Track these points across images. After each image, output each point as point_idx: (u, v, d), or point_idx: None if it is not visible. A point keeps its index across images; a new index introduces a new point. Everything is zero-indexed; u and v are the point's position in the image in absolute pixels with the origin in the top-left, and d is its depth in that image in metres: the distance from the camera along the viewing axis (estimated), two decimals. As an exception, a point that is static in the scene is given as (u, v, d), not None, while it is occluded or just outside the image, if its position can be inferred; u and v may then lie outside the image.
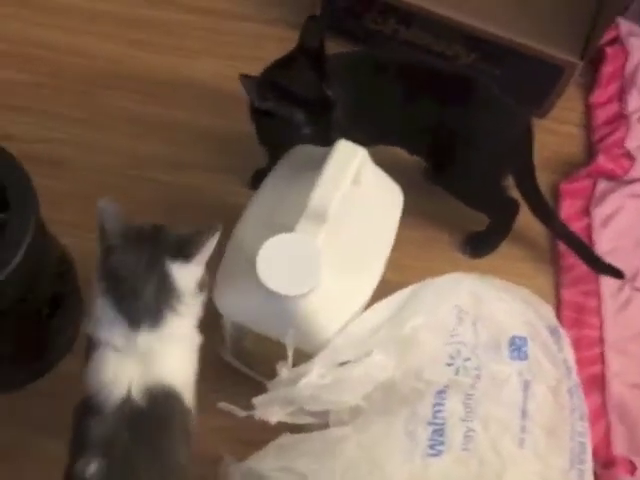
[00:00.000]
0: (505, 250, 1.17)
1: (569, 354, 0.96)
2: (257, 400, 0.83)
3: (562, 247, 1.17)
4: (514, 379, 0.91)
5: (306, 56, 0.94)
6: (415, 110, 1.03)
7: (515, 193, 1.13)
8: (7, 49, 1.27)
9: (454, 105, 1.04)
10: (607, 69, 1.34)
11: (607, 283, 1.16)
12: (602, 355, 1.11)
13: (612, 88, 1.33)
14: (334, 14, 1.28)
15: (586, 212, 1.22)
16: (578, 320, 1.14)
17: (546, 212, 1.14)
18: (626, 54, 1.35)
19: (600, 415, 1.06)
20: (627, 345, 1.13)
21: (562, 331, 0.97)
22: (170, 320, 0.77)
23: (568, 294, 1.16)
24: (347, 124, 0.96)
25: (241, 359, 1.01)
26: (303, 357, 0.85)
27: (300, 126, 0.94)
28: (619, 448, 1.04)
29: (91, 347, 0.79)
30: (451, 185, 1.12)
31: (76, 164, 1.18)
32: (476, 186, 1.11)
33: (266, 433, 0.85)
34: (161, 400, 0.77)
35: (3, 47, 1.27)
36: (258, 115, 0.99)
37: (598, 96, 1.33)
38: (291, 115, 0.94)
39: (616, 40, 1.36)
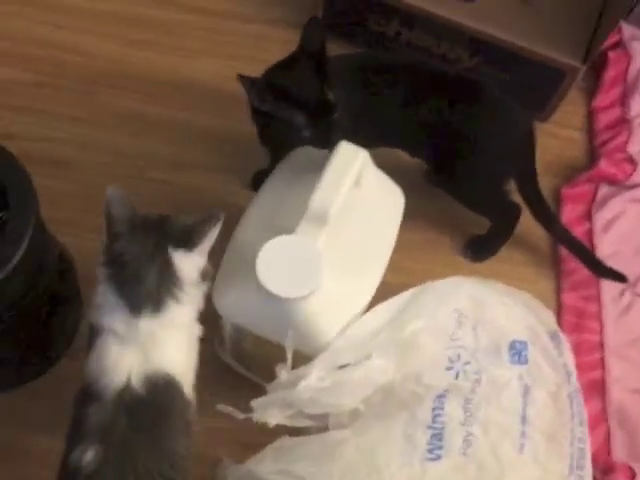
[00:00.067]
0: (506, 254, 1.17)
1: (569, 359, 0.96)
2: (256, 402, 0.83)
3: (563, 252, 1.17)
4: (514, 383, 0.90)
5: (307, 58, 0.94)
6: (417, 112, 1.03)
7: (517, 197, 1.12)
8: (9, 48, 1.27)
9: (457, 107, 1.03)
10: (609, 73, 1.34)
11: (608, 288, 1.16)
12: (602, 360, 1.11)
13: (614, 92, 1.33)
14: (336, 15, 1.28)
15: (587, 217, 1.22)
16: (578, 325, 1.14)
17: (548, 216, 1.13)
18: (629, 58, 1.35)
19: (600, 420, 1.06)
20: (628, 350, 1.13)
21: (562, 336, 0.97)
22: (171, 307, 0.78)
23: (569, 299, 1.16)
24: (349, 126, 0.95)
25: (241, 361, 1.00)
26: (303, 359, 0.84)
27: (300, 128, 0.94)
28: (619, 454, 1.04)
29: (93, 334, 0.80)
30: (453, 188, 1.11)
31: (76, 164, 1.18)
32: (478, 189, 1.10)
33: (265, 436, 0.85)
34: (160, 389, 0.78)
35: (5, 46, 1.27)
36: (259, 116, 0.99)
37: (600, 100, 1.33)
38: (291, 117, 0.93)
39: (619, 44, 1.36)
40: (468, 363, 0.91)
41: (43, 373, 1.00)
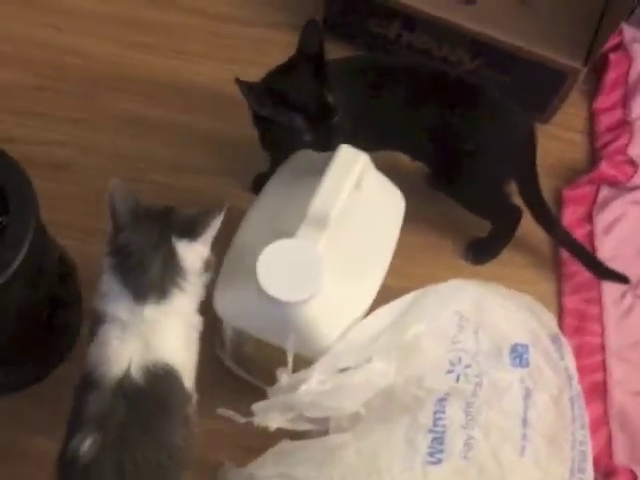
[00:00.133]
0: (507, 257, 1.17)
1: (570, 362, 0.96)
2: (257, 406, 0.83)
3: (564, 254, 1.17)
4: (515, 386, 0.90)
5: (306, 61, 0.94)
6: (418, 115, 1.03)
7: (517, 199, 1.12)
8: (10, 51, 1.27)
9: (457, 110, 1.03)
10: (611, 75, 1.34)
11: (609, 291, 1.16)
12: (604, 363, 1.11)
13: (616, 94, 1.33)
14: (337, 18, 1.28)
15: (588, 219, 1.22)
16: (580, 327, 1.13)
17: (549, 219, 1.13)
18: (630, 60, 1.35)
19: (601, 423, 1.06)
20: (629, 353, 1.12)
21: (564, 339, 0.97)
22: (175, 296, 0.80)
23: (570, 301, 1.16)
24: (349, 129, 0.95)
25: (241, 364, 1.00)
26: (304, 363, 0.84)
27: (300, 132, 0.94)
28: (620, 457, 1.03)
29: (96, 322, 0.81)
30: (453, 191, 1.11)
31: (77, 167, 1.18)
32: (479, 192, 1.10)
33: (266, 439, 0.85)
34: (160, 379, 0.78)
35: (6, 49, 1.27)
36: (259, 120, 0.99)
37: (601, 102, 1.32)
38: (290, 121, 0.93)
39: (620, 46, 1.36)
40: (469, 366, 0.90)
41: (44, 377, 1.00)
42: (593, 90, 1.34)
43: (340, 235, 0.86)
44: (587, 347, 1.12)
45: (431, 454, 0.83)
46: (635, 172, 1.25)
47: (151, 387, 0.77)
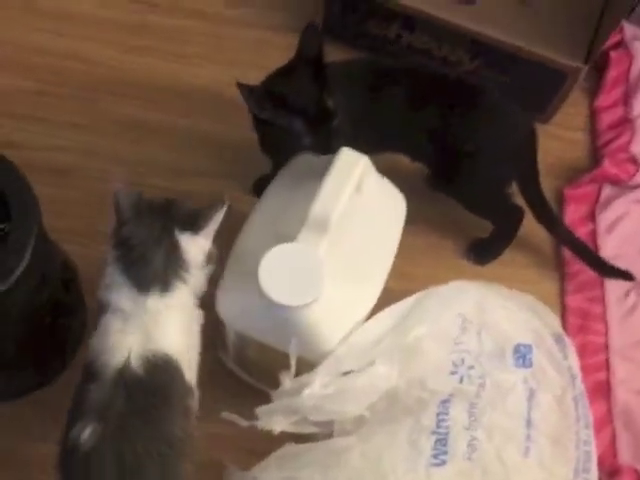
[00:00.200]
0: (509, 257, 1.16)
1: (574, 362, 0.96)
2: (260, 410, 0.83)
3: (567, 254, 1.17)
4: (519, 387, 0.90)
5: (305, 64, 0.94)
6: (418, 116, 1.03)
7: (519, 199, 1.12)
8: (10, 55, 1.27)
9: (457, 111, 1.03)
10: (611, 73, 1.33)
11: (612, 289, 1.15)
12: (607, 362, 1.10)
13: (617, 92, 1.33)
14: (337, 19, 1.28)
15: (591, 217, 1.22)
16: (583, 326, 1.13)
17: (550, 219, 1.13)
18: (630, 58, 1.34)
19: (605, 423, 1.05)
20: (632, 351, 1.12)
21: (567, 339, 0.97)
22: (178, 288, 0.81)
23: (573, 300, 1.15)
24: (349, 132, 0.95)
25: (244, 367, 1.00)
26: (306, 366, 0.84)
27: (300, 135, 0.94)
28: (624, 456, 1.03)
29: (99, 313, 0.82)
30: (455, 192, 1.11)
31: (78, 171, 1.18)
32: (480, 192, 1.10)
33: (270, 442, 0.85)
34: (160, 369, 0.79)
35: (6, 53, 1.27)
36: (259, 124, 0.99)
37: (603, 100, 1.32)
38: (290, 125, 0.93)
39: (620, 44, 1.36)
40: (472, 367, 0.91)
41: (47, 383, 1.00)
42: (594, 88, 1.33)
43: (341, 238, 0.86)
44: (591, 346, 1.11)
45: (435, 456, 0.83)
46: (637, 170, 1.24)
47: (151, 377, 0.78)
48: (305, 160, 0.98)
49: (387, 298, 0.91)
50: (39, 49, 1.28)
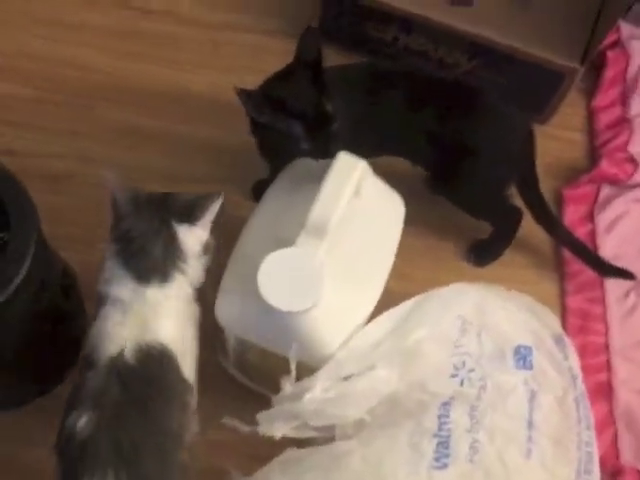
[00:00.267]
0: (508, 258, 1.16)
1: (574, 362, 0.95)
2: (261, 416, 0.83)
3: (566, 254, 1.17)
4: (520, 389, 0.90)
5: (304, 69, 0.94)
6: (416, 119, 1.03)
7: (518, 201, 1.12)
8: (7, 63, 1.27)
9: (455, 113, 1.03)
10: (609, 73, 1.33)
11: (612, 289, 1.15)
12: (608, 362, 1.10)
13: (614, 92, 1.33)
14: (334, 23, 1.28)
15: (590, 218, 1.22)
16: (584, 327, 1.13)
17: (549, 220, 1.13)
18: (627, 57, 1.35)
19: (607, 423, 1.05)
20: (633, 352, 1.12)
21: (567, 339, 0.97)
22: (177, 279, 0.83)
23: (573, 301, 1.15)
24: (348, 136, 0.95)
25: (245, 373, 1.00)
26: (307, 371, 0.84)
27: (299, 140, 0.94)
28: (627, 457, 1.03)
29: (98, 305, 0.84)
30: (453, 194, 1.11)
31: (76, 178, 1.18)
32: (478, 195, 1.10)
33: (272, 447, 0.84)
34: (155, 360, 0.80)
35: (3, 61, 1.27)
36: (257, 128, 0.99)
37: (600, 100, 1.32)
38: (289, 129, 0.93)
39: (617, 43, 1.36)
40: (473, 370, 0.90)
41: (48, 391, 1.00)
42: (591, 88, 1.33)
43: (340, 242, 0.86)
44: (591, 346, 1.11)
45: (437, 459, 0.83)
46: (636, 170, 1.24)
47: (145, 367, 0.79)
48: (303, 164, 0.98)
49: (387, 300, 0.91)
50: (35, 56, 1.28)
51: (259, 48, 1.30)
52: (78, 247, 1.06)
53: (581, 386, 0.93)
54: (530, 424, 0.87)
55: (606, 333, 1.13)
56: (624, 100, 1.32)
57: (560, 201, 1.23)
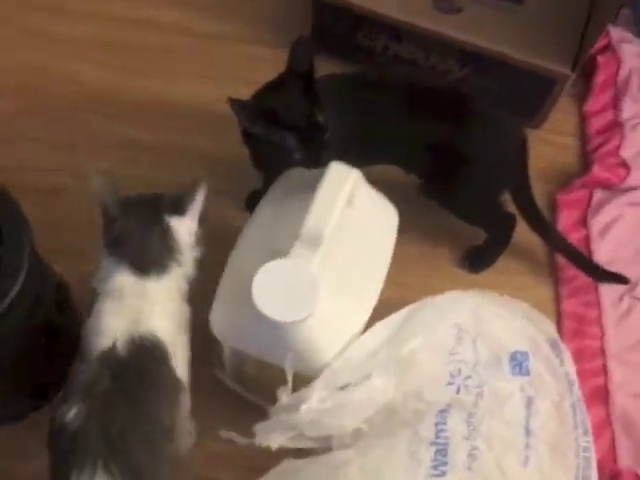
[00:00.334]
0: (503, 264, 1.16)
1: (570, 368, 0.95)
2: (258, 427, 0.83)
3: (561, 259, 1.17)
4: (516, 395, 0.90)
5: (296, 79, 0.94)
6: (409, 128, 1.03)
7: (511, 207, 1.12)
8: (1, 77, 1.27)
9: (448, 120, 1.03)
10: (599, 78, 1.34)
11: (607, 293, 1.15)
12: (604, 366, 1.10)
13: (605, 96, 1.33)
14: (325, 32, 1.28)
15: (583, 223, 1.22)
16: (579, 331, 1.13)
17: (543, 226, 1.13)
18: (618, 61, 1.35)
19: (604, 427, 1.05)
20: (629, 355, 1.12)
21: (563, 345, 0.97)
22: (173, 270, 0.86)
23: (568, 305, 1.15)
24: (340, 146, 0.95)
25: (242, 384, 1.00)
26: (304, 381, 0.84)
27: (291, 150, 0.94)
28: (625, 460, 1.03)
29: (94, 299, 0.85)
30: (447, 201, 1.11)
31: (68, 192, 1.17)
32: (472, 201, 1.10)
33: (269, 458, 0.84)
34: (147, 351, 0.81)
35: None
36: (250, 139, 0.99)
37: (592, 105, 1.32)
38: (281, 140, 0.93)
39: (607, 48, 1.36)
40: (469, 377, 0.90)
41: (43, 406, 0.99)
42: (582, 93, 1.34)
43: (334, 252, 0.86)
44: (587, 351, 1.11)
45: (435, 467, 0.83)
46: (628, 174, 1.25)
47: (138, 359, 0.80)
48: (296, 174, 0.98)
49: (383, 308, 0.91)
50: (31, 69, 1.28)
51: (253, 59, 1.31)
52: (71, 261, 1.06)
53: (577, 392, 0.93)
54: (527, 431, 0.87)
55: (602, 337, 1.13)
56: (616, 104, 1.32)
57: (554, 206, 1.23)
